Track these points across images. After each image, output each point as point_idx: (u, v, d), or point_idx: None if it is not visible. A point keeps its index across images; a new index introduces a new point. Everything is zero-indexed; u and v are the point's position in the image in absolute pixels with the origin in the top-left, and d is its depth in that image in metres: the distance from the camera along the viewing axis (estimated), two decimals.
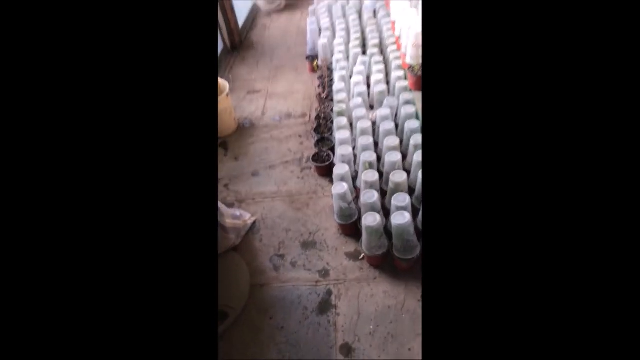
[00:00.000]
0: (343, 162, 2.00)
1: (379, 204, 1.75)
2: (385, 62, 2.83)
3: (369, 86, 2.71)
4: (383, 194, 1.94)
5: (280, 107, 2.96)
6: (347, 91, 2.62)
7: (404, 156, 2.08)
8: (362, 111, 2.22)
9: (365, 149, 2.02)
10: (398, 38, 2.68)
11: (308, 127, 2.71)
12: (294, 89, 3.12)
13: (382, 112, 2.19)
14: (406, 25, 2.33)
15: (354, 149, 2.21)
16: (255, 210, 2.17)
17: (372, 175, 1.82)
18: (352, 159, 2.03)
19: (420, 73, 2.24)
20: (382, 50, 2.99)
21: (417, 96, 2.26)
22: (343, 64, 2.71)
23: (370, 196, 1.73)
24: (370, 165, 1.92)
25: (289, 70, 3.38)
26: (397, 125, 2.29)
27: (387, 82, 2.67)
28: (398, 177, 1.79)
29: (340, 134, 2.10)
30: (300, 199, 2.19)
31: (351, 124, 2.40)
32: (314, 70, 3.28)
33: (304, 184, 2.28)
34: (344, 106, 2.29)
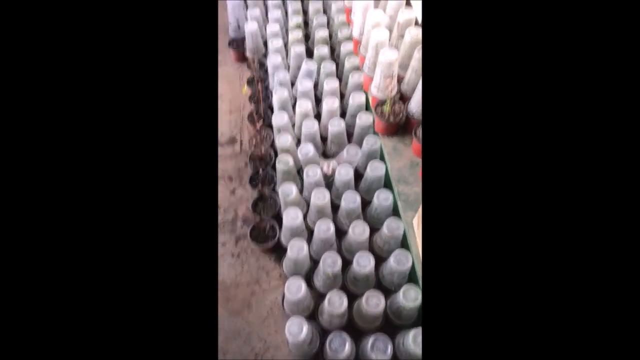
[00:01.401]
0: (297, 265, 1.44)
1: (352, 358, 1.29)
2: (338, 67, 2.11)
3: (317, 99, 2.02)
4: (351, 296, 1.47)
5: None
6: (290, 117, 1.91)
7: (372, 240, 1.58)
8: (316, 173, 1.59)
9: (325, 244, 1.46)
10: (357, 43, 1.93)
11: (241, 162, 2.01)
12: None
13: (343, 174, 1.58)
14: (373, 39, 1.61)
15: (305, 216, 1.64)
16: None
17: (340, 302, 1.31)
18: (308, 253, 1.45)
19: (392, 119, 1.60)
20: (333, 48, 2.23)
21: (388, 145, 1.67)
22: (282, 75, 1.93)
23: (341, 345, 1.24)
24: (335, 277, 1.40)
25: None
26: (358, 176, 1.73)
27: (342, 98, 2.00)
28: (374, 305, 1.31)
29: (290, 217, 1.48)
30: (238, 295, 1.62)
31: (299, 171, 1.78)
32: (243, 58, 2.42)
33: (241, 267, 1.69)
34: (290, 162, 1.63)
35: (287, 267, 1.49)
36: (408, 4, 1.71)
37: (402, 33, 1.67)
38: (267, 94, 2.11)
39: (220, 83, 2.32)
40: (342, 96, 2.04)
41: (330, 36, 2.29)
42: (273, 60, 1.99)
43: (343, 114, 1.97)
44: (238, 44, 2.38)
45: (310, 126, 1.73)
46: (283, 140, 1.69)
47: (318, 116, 1.97)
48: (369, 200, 1.62)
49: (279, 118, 1.77)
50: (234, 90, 2.30)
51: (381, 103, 1.64)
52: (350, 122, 1.88)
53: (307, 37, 2.38)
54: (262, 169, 1.80)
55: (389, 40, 1.72)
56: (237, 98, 2.26)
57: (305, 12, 2.44)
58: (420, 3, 1.61)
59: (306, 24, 2.44)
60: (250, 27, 2.14)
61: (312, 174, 1.58)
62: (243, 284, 1.64)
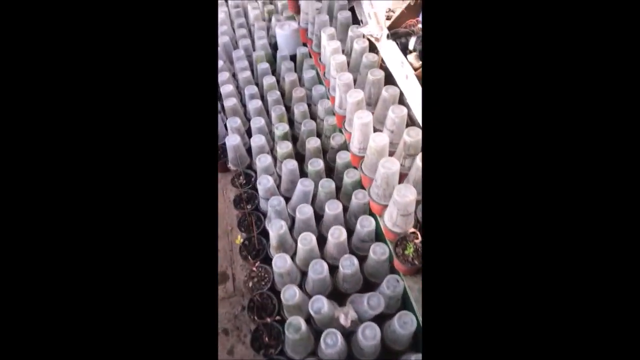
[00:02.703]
0: None
1: None
2: (334, 174, 1.89)
3: (317, 215, 1.77)
4: None
5: None
6: (290, 246, 1.64)
7: None
8: (336, 341, 1.28)
9: None
10: (358, 159, 1.71)
11: (236, 306, 1.69)
12: None
13: (369, 337, 1.29)
14: (382, 170, 1.38)
15: None
16: None
17: None
18: None
19: (418, 262, 1.34)
20: (325, 150, 2.01)
21: (414, 288, 1.40)
22: (277, 202, 1.66)
23: None
24: None
25: None
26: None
27: (345, 211, 1.75)
28: None
29: None
30: None
31: (308, 320, 1.49)
32: (224, 169, 2.16)
33: None
34: (302, 326, 1.32)
35: None
36: (412, 123, 1.53)
37: (410, 152, 1.48)
38: (258, 215, 1.85)
39: None
40: (345, 209, 1.80)
41: (319, 134, 2.08)
42: (264, 183, 1.74)
43: (350, 233, 1.72)
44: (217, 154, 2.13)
45: (320, 271, 1.46)
46: (289, 295, 1.41)
47: (321, 237, 1.71)
48: (401, 350, 1.36)
49: (279, 262, 1.50)
50: (220, 214, 2.01)
51: (401, 242, 1.40)
52: (360, 246, 1.64)
53: (295, 138, 2.17)
54: (264, 325, 1.49)
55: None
56: (223, 218, 1.98)
57: (287, 108, 2.24)
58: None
59: (290, 121, 2.23)
60: (232, 141, 1.89)
61: (332, 342, 1.30)
62: None
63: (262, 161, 1.81)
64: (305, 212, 1.62)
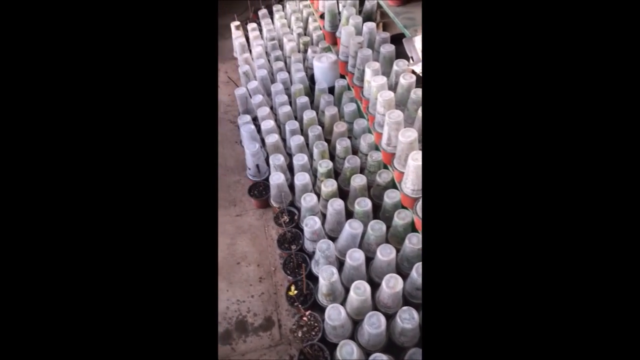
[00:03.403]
0: None
1: None
2: (381, 211, 1.80)
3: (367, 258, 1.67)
4: None
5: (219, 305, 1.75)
6: (339, 292, 1.55)
7: None
8: None
9: None
10: (411, 201, 1.60)
11: (282, 354, 1.61)
12: (238, 254, 1.93)
13: None
14: None
15: None
16: None
17: None
18: None
19: None
20: (370, 185, 1.93)
21: None
22: (325, 246, 1.56)
23: None
24: None
25: (221, 211, 2.12)
26: None
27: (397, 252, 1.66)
28: None
29: None
30: None
31: None
32: (265, 205, 2.10)
33: None
34: None
35: None
36: None
37: None
38: (303, 256, 1.77)
39: (243, 240, 1.97)
40: (397, 251, 1.70)
41: (362, 169, 2.01)
42: (311, 224, 1.66)
43: (402, 276, 1.61)
44: (259, 190, 2.08)
45: (377, 325, 1.36)
46: (347, 352, 1.30)
47: (369, 281, 1.61)
48: None
49: (334, 314, 1.40)
50: (259, 247, 1.95)
51: None
52: (415, 294, 1.53)
53: (336, 174, 2.10)
54: None
55: None
56: (265, 256, 1.91)
57: (327, 141, 2.18)
58: None
59: (331, 156, 2.16)
60: (276, 179, 1.84)
61: None
62: None
63: (308, 201, 1.74)
64: (356, 258, 1.53)
